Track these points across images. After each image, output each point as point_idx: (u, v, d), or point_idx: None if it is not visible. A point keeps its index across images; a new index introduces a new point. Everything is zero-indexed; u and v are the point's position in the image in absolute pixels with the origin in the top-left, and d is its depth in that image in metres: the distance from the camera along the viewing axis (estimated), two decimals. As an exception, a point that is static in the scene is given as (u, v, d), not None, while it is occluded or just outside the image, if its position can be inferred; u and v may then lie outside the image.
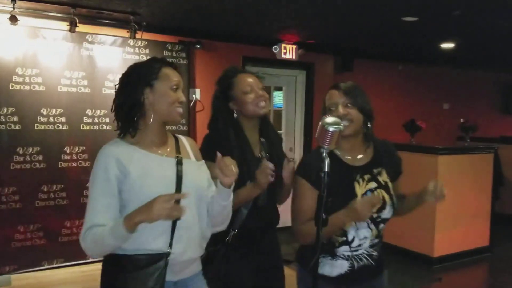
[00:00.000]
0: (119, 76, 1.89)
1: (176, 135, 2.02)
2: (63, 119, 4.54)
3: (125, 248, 1.71)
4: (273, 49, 5.72)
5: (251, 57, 5.88)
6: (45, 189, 4.47)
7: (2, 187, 4.28)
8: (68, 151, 4.57)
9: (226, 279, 2.21)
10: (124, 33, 4.74)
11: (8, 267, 4.32)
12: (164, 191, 1.72)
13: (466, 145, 6.52)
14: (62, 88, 4.53)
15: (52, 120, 4.48)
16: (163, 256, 1.73)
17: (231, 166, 1.76)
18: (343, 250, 1.96)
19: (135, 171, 1.74)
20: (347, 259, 1.97)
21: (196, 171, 1.91)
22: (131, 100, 1.79)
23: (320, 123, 1.71)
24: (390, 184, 2.02)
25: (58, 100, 4.50)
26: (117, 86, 1.86)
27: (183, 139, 2.02)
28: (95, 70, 4.69)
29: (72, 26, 4.38)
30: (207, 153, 2.04)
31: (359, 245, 1.96)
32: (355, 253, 1.96)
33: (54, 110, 4.49)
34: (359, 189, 1.94)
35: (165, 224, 1.71)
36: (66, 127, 4.56)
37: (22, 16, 4.19)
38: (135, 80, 1.82)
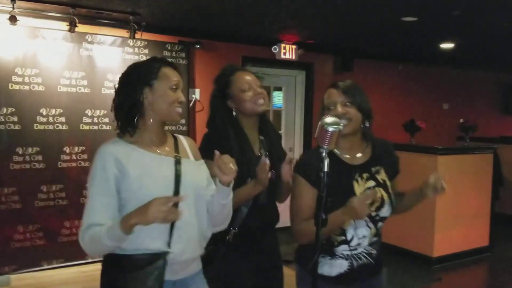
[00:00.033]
0: (119, 76, 1.89)
1: (175, 134, 2.02)
2: (63, 119, 4.54)
3: (125, 247, 1.71)
4: (272, 49, 5.72)
5: (251, 57, 5.88)
6: (45, 189, 4.47)
7: (2, 187, 4.27)
8: (67, 151, 4.57)
9: (226, 279, 2.21)
10: (124, 33, 4.74)
11: (7, 267, 4.32)
12: (163, 190, 1.72)
13: (465, 145, 6.52)
14: (62, 88, 4.53)
15: (52, 120, 4.48)
16: (162, 256, 1.73)
17: (229, 164, 1.75)
18: (342, 249, 1.96)
19: (134, 170, 1.74)
20: (346, 259, 1.97)
21: (195, 171, 1.91)
22: (130, 100, 1.79)
23: (319, 123, 1.71)
24: (388, 183, 2.02)
25: (57, 100, 4.50)
26: (117, 85, 1.86)
27: (182, 139, 2.01)
28: (95, 70, 4.68)
29: (72, 26, 4.38)
30: (207, 152, 2.04)
31: (358, 244, 1.96)
32: (354, 252, 1.96)
33: (53, 110, 4.48)
34: (358, 187, 1.94)
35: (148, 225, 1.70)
36: (66, 127, 4.56)
37: (21, 16, 4.19)
38: (135, 80, 1.82)
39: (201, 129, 5.12)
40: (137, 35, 4.73)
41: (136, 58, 4.80)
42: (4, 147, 4.28)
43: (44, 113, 4.44)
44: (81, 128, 4.63)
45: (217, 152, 1.76)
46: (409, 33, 5.22)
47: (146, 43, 4.96)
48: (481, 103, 8.46)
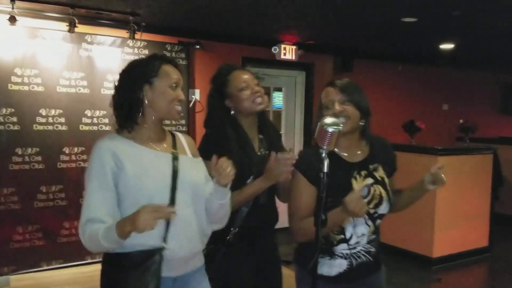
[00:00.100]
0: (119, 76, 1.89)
1: (174, 132, 2.02)
2: (62, 120, 4.53)
3: (123, 245, 1.70)
4: (272, 49, 5.72)
5: (251, 58, 5.88)
6: (44, 190, 4.46)
7: (1, 188, 4.27)
8: (67, 152, 4.57)
9: (226, 279, 2.21)
10: (123, 33, 4.73)
11: (7, 268, 4.31)
12: (160, 186, 1.71)
13: (465, 145, 6.53)
14: (61, 89, 4.52)
15: (51, 121, 4.48)
16: (158, 251, 1.72)
17: (228, 169, 1.75)
18: (342, 248, 1.95)
19: (130, 165, 1.74)
20: (345, 258, 1.97)
21: (193, 167, 1.91)
22: (130, 97, 1.79)
23: (319, 123, 1.71)
24: (386, 180, 2.02)
25: (57, 101, 4.50)
26: (116, 82, 1.86)
27: (181, 136, 2.01)
28: (94, 71, 4.68)
29: (71, 26, 4.37)
30: (206, 152, 2.04)
31: (357, 242, 1.96)
32: (353, 250, 1.96)
33: (53, 111, 4.48)
34: (356, 185, 1.94)
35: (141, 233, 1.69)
36: (65, 127, 4.55)
37: (21, 16, 4.19)
38: (135, 77, 1.82)
39: (201, 129, 5.08)
40: (137, 36, 4.72)
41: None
42: (4, 148, 4.27)
43: (44, 113, 4.44)
44: (80, 128, 4.63)
45: (214, 157, 1.76)
46: (409, 33, 5.22)
47: (145, 43, 4.95)
48: (481, 103, 8.46)
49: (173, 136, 1.98)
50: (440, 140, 7.36)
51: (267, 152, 2.27)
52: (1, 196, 4.27)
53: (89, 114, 4.67)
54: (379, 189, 1.97)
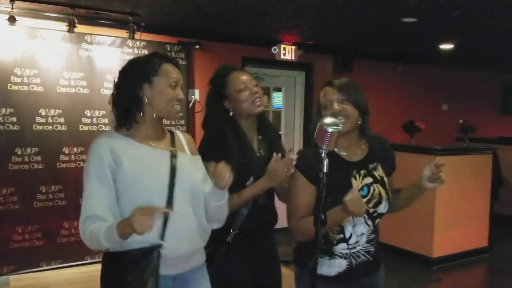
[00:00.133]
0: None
1: (173, 130, 2.01)
2: (62, 120, 4.53)
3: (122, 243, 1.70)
4: (272, 49, 5.72)
5: (250, 58, 5.88)
6: (44, 190, 4.46)
7: (1, 188, 4.27)
8: (66, 152, 4.56)
9: (226, 279, 2.21)
10: (123, 33, 4.73)
11: (6, 268, 4.31)
12: (158, 183, 1.71)
13: (465, 145, 6.52)
14: (61, 89, 4.52)
15: (51, 121, 4.48)
16: (155, 249, 1.72)
17: (226, 174, 1.76)
18: (341, 248, 1.95)
19: (128, 162, 1.74)
20: (345, 258, 1.97)
21: (191, 165, 1.91)
22: (129, 95, 1.79)
23: (318, 123, 1.71)
24: (385, 179, 2.02)
25: (56, 101, 4.49)
26: (116, 79, 1.86)
27: (180, 134, 2.01)
28: (94, 71, 4.68)
29: (71, 26, 4.37)
30: (206, 153, 2.04)
31: (356, 242, 1.95)
32: (352, 250, 1.96)
33: (52, 111, 4.48)
34: (356, 184, 1.94)
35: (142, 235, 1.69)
36: (65, 127, 4.55)
37: (20, 16, 4.19)
38: (135, 76, 1.82)
39: (200, 129, 5.10)
40: (136, 36, 4.72)
41: (135, 59, 4.79)
42: (3, 148, 4.27)
43: (43, 113, 4.44)
44: (80, 128, 4.63)
45: (212, 164, 1.77)
46: (408, 33, 5.22)
47: (145, 43, 4.95)
48: (480, 103, 8.46)
49: (172, 134, 1.98)
50: (439, 140, 7.35)
51: (267, 153, 2.27)
52: (1, 196, 4.27)
53: (88, 114, 4.67)
54: (378, 188, 1.97)
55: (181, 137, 2.00)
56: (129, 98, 1.79)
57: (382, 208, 1.98)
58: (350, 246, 1.95)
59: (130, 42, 4.82)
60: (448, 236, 5.24)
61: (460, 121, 6.87)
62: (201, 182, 1.89)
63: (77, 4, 4.20)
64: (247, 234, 2.23)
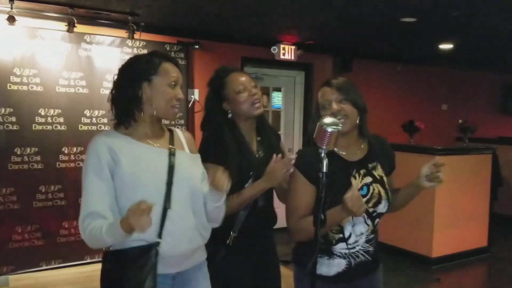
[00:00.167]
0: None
1: (172, 128, 2.01)
2: (61, 120, 4.53)
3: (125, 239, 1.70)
4: (272, 49, 5.71)
5: (250, 58, 5.88)
6: (43, 190, 4.46)
7: (0, 188, 4.26)
8: (66, 152, 4.56)
9: (226, 279, 2.21)
10: (122, 33, 4.72)
11: (6, 267, 4.31)
12: (156, 181, 1.72)
13: (464, 145, 6.52)
14: (60, 89, 4.52)
15: (50, 121, 4.47)
16: (153, 247, 1.72)
17: (224, 182, 1.76)
18: (340, 247, 1.95)
19: (126, 159, 1.74)
20: (344, 257, 1.96)
21: (190, 163, 1.91)
22: (128, 93, 1.79)
23: (318, 123, 1.71)
24: (385, 179, 2.02)
25: (56, 101, 4.49)
26: (116, 77, 1.86)
27: (179, 132, 2.01)
28: (93, 71, 4.68)
29: (70, 26, 4.36)
30: (206, 155, 2.04)
31: (356, 241, 1.95)
32: (352, 250, 1.96)
33: (52, 111, 4.48)
34: (355, 183, 1.94)
35: (154, 213, 1.67)
36: (64, 127, 4.55)
37: (20, 16, 4.18)
38: (134, 74, 1.82)
39: (200, 129, 5.12)
40: (136, 36, 4.72)
41: (134, 59, 4.79)
42: (2, 148, 4.27)
43: (43, 113, 4.44)
44: (79, 128, 4.63)
45: (210, 170, 1.78)
46: (408, 33, 5.22)
47: (144, 43, 4.95)
48: (480, 103, 8.47)
49: (172, 132, 1.97)
50: (439, 140, 7.36)
51: (266, 154, 2.27)
52: (0, 196, 4.27)
53: (88, 114, 4.67)
54: (378, 187, 1.97)
55: (181, 135, 2.00)
56: (128, 96, 1.79)
57: (382, 207, 1.98)
58: (349, 246, 1.95)
59: (129, 42, 4.82)
60: (447, 236, 5.25)
61: (460, 121, 6.87)
62: (200, 181, 1.89)
63: (76, 4, 4.20)
64: (246, 235, 2.23)
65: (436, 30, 5.07)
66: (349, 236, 1.94)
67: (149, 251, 1.71)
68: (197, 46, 5.31)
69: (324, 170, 1.66)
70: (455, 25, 4.74)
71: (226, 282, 2.21)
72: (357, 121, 1.97)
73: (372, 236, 2.00)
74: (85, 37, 4.63)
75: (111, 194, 1.73)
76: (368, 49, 6.60)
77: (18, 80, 4.31)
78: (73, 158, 4.60)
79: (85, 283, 4.22)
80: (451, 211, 5.24)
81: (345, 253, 1.96)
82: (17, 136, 4.32)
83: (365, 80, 6.62)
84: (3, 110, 4.25)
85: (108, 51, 4.75)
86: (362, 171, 1.97)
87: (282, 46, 5.73)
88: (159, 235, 1.73)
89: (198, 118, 5.25)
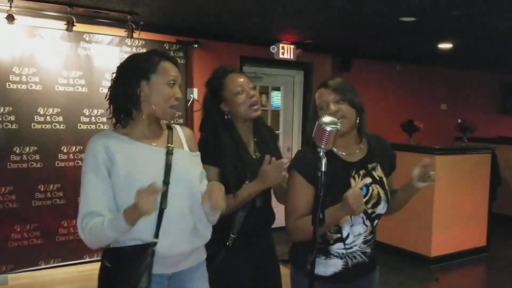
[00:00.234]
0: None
1: (172, 125, 2.00)
2: (60, 119, 4.53)
3: (118, 240, 1.71)
4: (271, 49, 5.71)
5: (249, 57, 5.88)
6: (42, 189, 4.46)
7: (-1, 187, 4.27)
8: (65, 151, 4.56)
9: (226, 280, 2.21)
10: (122, 32, 4.72)
11: (5, 266, 4.31)
12: (152, 180, 1.71)
13: (463, 145, 6.53)
14: (59, 88, 4.52)
15: (49, 120, 4.47)
16: (149, 247, 1.71)
17: (221, 203, 1.76)
18: (338, 247, 1.95)
19: (122, 160, 1.74)
20: (341, 257, 1.96)
21: (188, 162, 1.90)
22: (127, 91, 1.79)
23: (317, 122, 1.71)
24: (384, 179, 2.02)
25: (55, 100, 4.49)
26: (114, 74, 1.85)
27: (179, 129, 2.00)
28: (93, 70, 4.68)
29: (69, 25, 4.36)
30: (203, 156, 2.04)
31: (353, 242, 1.95)
32: (349, 250, 1.96)
33: (51, 110, 4.48)
34: (355, 185, 1.93)
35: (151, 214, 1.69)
36: (63, 126, 4.55)
37: (19, 15, 4.18)
38: (133, 72, 1.81)
39: (199, 128, 5.12)
40: (135, 35, 4.72)
41: (134, 58, 4.79)
42: (1, 147, 4.27)
43: (42, 112, 4.43)
44: (78, 127, 4.63)
45: (205, 199, 1.77)
46: (407, 33, 5.22)
47: (144, 42, 4.95)
48: (479, 103, 8.47)
49: (171, 129, 1.97)
50: (438, 140, 7.36)
51: (263, 155, 2.27)
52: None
53: (87, 113, 4.66)
54: (377, 188, 1.97)
55: (180, 132, 1.99)
56: (126, 94, 1.79)
57: (381, 208, 1.98)
58: (346, 246, 1.95)
59: (128, 41, 4.82)
60: (446, 236, 5.25)
61: (459, 120, 6.87)
62: (199, 180, 1.89)
63: (75, 3, 4.20)
64: (246, 236, 2.23)
65: (435, 30, 5.07)
66: (347, 236, 1.94)
67: (146, 250, 1.71)
68: (196, 45, 5.31)
69: (323, 169, 1.66)
70: (455, 24, 4.74)
71: (227, 283, 2.21)
72: (356, 121, 1.97)
73: (370, 237, 2.00)
74: (84, 36, 4.63)
75: (109, 193, 1.73)
76: (368, 49, 6.60)
77: (17, 79, 4.31)
78: (72, 157, 4.60)
79: (84, 282, 4.22)
80: (450, 210, 5.24)
81: (342, 253, 1.96)
82: (16, 135, 4.32)
83: (365, 79, 6.62)
84: (2, 109, 4.25)
85: (107, 50, 4.75)
86: (361, 172, 1.97)
87: (281, 45, 5.73)
88: (156, 235, 1.73)
89: (197, 117, 5.25)
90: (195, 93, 5.34)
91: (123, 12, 4.47)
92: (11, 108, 4.29)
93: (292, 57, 5.85)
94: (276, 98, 6.61)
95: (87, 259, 4.60)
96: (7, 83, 4.27)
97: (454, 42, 5.76)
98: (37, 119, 4.41)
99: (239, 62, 5.71)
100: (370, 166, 2.00)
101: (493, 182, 5.79)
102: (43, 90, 4.43)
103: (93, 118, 4.69)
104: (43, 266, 4.48)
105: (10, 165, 4.31)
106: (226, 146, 2.18)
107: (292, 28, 5.30)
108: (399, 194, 2.07)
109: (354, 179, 1.95)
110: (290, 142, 6.59)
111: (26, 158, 4.37)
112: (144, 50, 4.87)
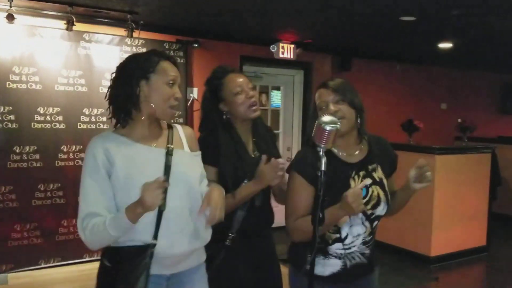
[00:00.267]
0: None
1: (173, 124, 2.00)
2: (60, 118, 4.53)
3: (118, 240, 1.71)
4: (271, 48, 5.71)
5: (249, 57, 5.88)
6: (42, 188, 4.46)
7: (-1, 186, 4.27)
8: (65, 150, 4.56)
9: (226, 281, 2.21)
10: (122, 31, 4.72)
11: (5, 265, 4.31)
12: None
13: (463, 145, 6.53)
14: (59, 87, 4.52)
15: (49, 119, 4.47)
16: (148, 248, 1.71)
17: (220, 212, 1.77)
18: (336, 247, 1.95)
19: (121, 161, 1.74)
20: (339, 258, 1.96)
21: (188, 162, 1.90)
22: (126, 91, 1.79)
23: (316, 122, 1.71)
24: (385, 181, 2.02)
25: (55, 99, 4.49)
26: (114, 75, 1.85)
27: (179, 129, 1.99)
28: (92, 69, 4.67)
29: (69, 24, 4.36)
30: (203, 156, 2.04)
31: (352, 242, 1.95)
32: (348, 251, 1.96)
33: (51, 109, 4.48)
34: (355, 186, 1.93)
35: (150, 214, 1.69)
36: (63, 126, 4.55)
37: (19, 14, 4.18)
38: (132, 71, 1.81)
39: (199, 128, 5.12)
40: (135, 34, 4.72)
41: (134, 57, 4.79)
42: (2, 146, 4.27)
43: (42, 111, 4.43)
44: (78, 127, 4.62)
45: (204, 206, 1.78)
46: (407, 32, 5.22)
47: (144, 41, 4.94)
48: (479, 103, 8.47)
49: (172, 129, 1.96)
50: (438, 140, 7.36)
51: (261, 155, 2.27)
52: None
53: (87, 113, 4.66)
54: (377, 190, 1.97)
55: (181, 132, 1.98)
56: (126, 94, 1.79)
57: (381, 210, 1.97)
58: (345, 247, 1.95)
59: (128, 40, 4.82)
60: (446, 235, 5.25)
61: (459, 120, 6.87)
62: (198, 181, 1.89)
63: (75, 2, 4.20)
64: (245, 236, 2.23)
65: (435, 29, 5.07)
66: (346, 237, 1.94)
67: (145, 251, 1.71)
68: (196, 45, 5.31)
69: (323, 168, 1.66)
70: (455, 24, 4.73)
71: (227, 283, 2.21)
72: (356, 122, 1.97)
73: (369, 238, 2.00)
74: (84, 36, 4.63)
75: (109, 195, 1.73)
76: (368, 48, 6.59)
77: (17, 78, 4.31)
78: (72, 157, 4.60)
79: (84, 282, 4.22)
80: (450, 210, 5.24)
81: (341, 254, 1.96)
82: (16, 135, 4.32)
83: (364, 79, 6.62)
84: (2, 108, 4.25)
85: (107, 50, 4.75)
86: (361, 173, 1.97)
87: (281, 45, 5.73)
88: (155, 236, 1.73)
89: (197, 116, 5.24)
90: (195, 93, 5.34)
91: (123, 12, 4.47)
92: (11, 108, 4.29)
93: (292, 56, 5.85)
94: (276, 98, 6.61)
95: (87, 259, 4.60)
96: (7, 83, 4.26)
97: (454, 42, 5.76)
98: (37, 118, 4.41)
99: (239, 62, 5.70)
100: (370, 167, 1.99)
101: (493, 182, 5.80)
102: (43, 90, 4.43)
103: (93, 117, 4.69)
104: (43, 266, 4.48)
105: (10, 164, 4.31)
106: (225, 146, 2.18)
107: (292, 28, 5.30)
108: (398, 195, 2.07)
109: (354, 180, 1.94)
110: (290, 141, 6.60)
111: (26, 158, 4.37)
112: (144, 50, 4.89)
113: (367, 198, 1.93)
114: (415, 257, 5.27)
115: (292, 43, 5.83)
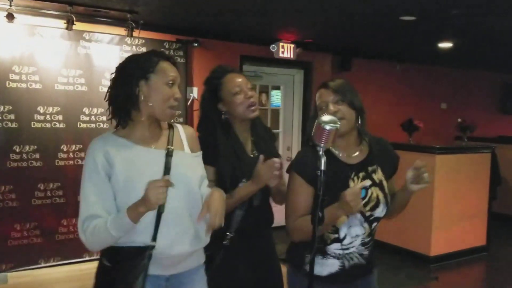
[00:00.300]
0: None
1: (174, 124, 1.99)
2: (60, 117, 4.52)
3: (118, 241, 1.71)
4: (271, 48, 5.71)
5: (249, 56, 5.88)
6: (42, 188, 4.46)
7: (-1, 185, 4.27)
8: (65, 149, 4.56)
9: (226, 281, 2.21)
10: (122, 31, 4.72)
11: (4, 265, 4.31)
12: None
13: (463, 144, 6.53)
14: (59, 86, 4.52)
15: (49, 118, 4.47)
16: (147, 249, 1.71)
17: (220, 217, 1.76)
18: (334, 248, 1.95)
19: (120, 163, 1.74)
20: (338, 258, 1.96)
21: (188, 163, 1.89)
22: (126, 91, 1.79)
23: (316, 121, 1.71)
24: (384, 182, 2.01)
25: (55, 98, 4.49)
26: (113, 75, 1.85)
27: (180, 129, 1.99)
28: (92, 68, 4.67)
29: (69, 24, 4.35)
30: (203, 157, 2.03)
31: (350, 243, 1.95)
32: (346, 251, 1.96)
33: (51, 108, 4.47)
34: (359, 184, 1.93)
35: (149, 216, 1.69)
36: (63, 125, 4.54)
37: (19, 14, 4.18)
38: (132, 72, 1.81)
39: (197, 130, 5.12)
40: (135, 33, 4.71)
41: (134, 57, 4.79)
42: (1, 145, 4.27)
43: (42, 111, 4.43)
44: (78, 126, 4.62)
45: (203, 212, 1.75)
46: (407, 32, 5.21)
47: (144, 41, 4.94)
48: (479, 102, 8.47)
49: (172, 129, 1.95)
50: (438, 139, 7.36)
51: (259, 154, 2.27)
52: (-1, 193, 4.27)
53: (87, 112, 4.66)
54: (376, 191, 1.96)
55: (182, 132, 1.97)
56: (125, 94, 1.78)
57: (380, 211, 1.97)
58: (343, 247, 1.95)
59: (128, 40, 4.81)
60: (446, 235, 5.25)
61: (459, 120, 6.87)
62: (198, 182, 1.88)
63: (75, 2, 4.19)
64: (244, 235, 2.23)
65: (436, 29, 5.07)
66: (344, 237, 1.94)
67: (144, 252, 1.71)
68: (196, 44, 5.31)
69: (322, 168, 1.66)
70: (455, 24, 4.73)
71: (226, 284, 2.21)
72: (356, 122, 1.97)
73: (368, 239, 2.00)
74: (84, 35, 4.63)
75: (109, 197, 1.73)
76: (368, 48, 6.59)
77: (17, 77, 4.31)
78: (72, 156, 4.60)
79: (83, 281, 4.22)
80: (449, 209, 5.24)
81: (339, 254, 1.96)
82: (16, 134, 4.32)
83: (365, 79, 6.62)
84: (2, 108, 4.25)
85: (107, 49, 4.75)
86: (361, 174, 1.96)
87: (281, 44, 5.73)
88: (154, 237, 1.73)
89: (197, 116, 5.24)
90: (195, 92, 5.34)
91: (123, 11, 4.47)
92: (11, 107, 4.28)
93: (292, 56, 5.85)
94: (276, 97, 6.61)
95: (87, 258, 4.60)
96: (7, 82, 4.26)
97: (454, 42, 5.75)
98: (37, 118, 4.41)
99: (239, 61, 5.70)
100: (370, 168, 1.99)
101: (493, 181, 5.80)
102: (43, 89, 4.43)
103: (93, 117, 4.69)
104: (43, 265, 4.48)
105: (10, 164, 4.31)
106: (223, 145, 2.18)
107: (292, 27, 5.29)
108: (398, 196, 2.06)
109: (353, 181, 1.94)
110: (290, 141, 6.60)
111: (26, 157, 4.37)
112: (144, 49, 4.89)
113: (366, 200, 1.93)
114: (415, 257, 5.27)
115: (292, 42, 5.83)
